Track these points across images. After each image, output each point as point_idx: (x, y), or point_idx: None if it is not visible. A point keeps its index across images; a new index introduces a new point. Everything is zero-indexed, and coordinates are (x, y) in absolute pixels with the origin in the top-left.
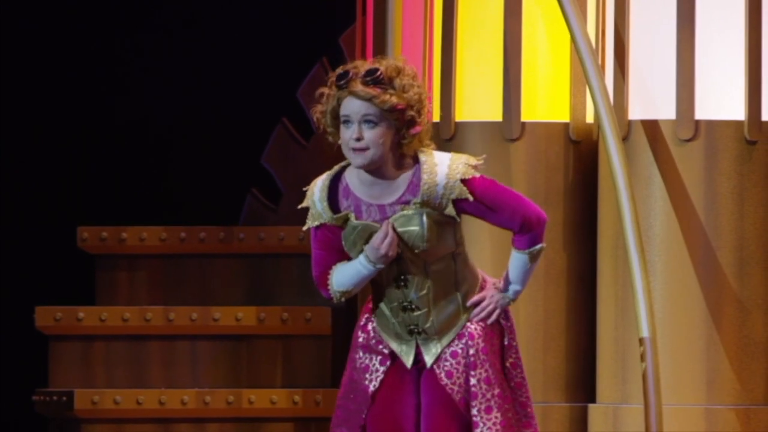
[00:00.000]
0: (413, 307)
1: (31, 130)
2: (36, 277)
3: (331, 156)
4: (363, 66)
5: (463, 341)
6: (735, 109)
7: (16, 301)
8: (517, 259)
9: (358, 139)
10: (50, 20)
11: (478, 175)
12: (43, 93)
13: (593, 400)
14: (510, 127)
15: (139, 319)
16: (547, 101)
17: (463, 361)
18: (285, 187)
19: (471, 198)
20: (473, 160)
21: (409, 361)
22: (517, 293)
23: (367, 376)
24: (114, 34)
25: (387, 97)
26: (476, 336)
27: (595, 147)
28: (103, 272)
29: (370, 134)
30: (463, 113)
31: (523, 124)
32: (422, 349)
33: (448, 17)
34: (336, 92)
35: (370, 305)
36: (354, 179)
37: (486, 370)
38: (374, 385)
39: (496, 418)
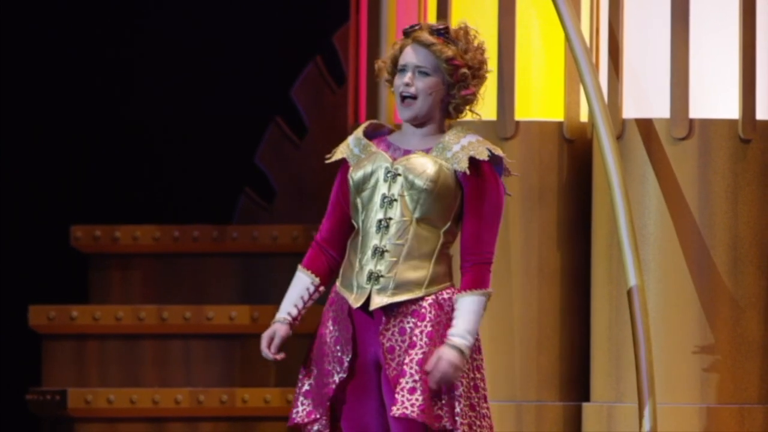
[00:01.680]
0: (384, 251)
1: (25, 130)
2: (29, 276)
3: (325, 155)
4: (431, 23)
5: (415, 320)
6: (729, 108)
7: (10, 300)
8: (466, 303)
9: (408, 84)
10: (46, 22)
11: (503, 155)
12: (37, 93)
13: (587, 399)
14: (504, 126)
15: (132, 318)
16: (541, 100)
17: (408, 340)
18: (278, 186)
19: (487, 159)
20: (502, 153)
21: (357, 303)
22: (467, 341)
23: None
24: (108, 34)
25: (445, 48)
26: (427, 319)
27: (590, 146)
28: (97, 271)
29: (420, 83)
30: None
31: (517, 122)
32: (372, 296)
33: (442, 16)
34: (401, 41)
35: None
36: (395, 134)
37: (423, 353)
38: (341, 376)
39: (416, 400)
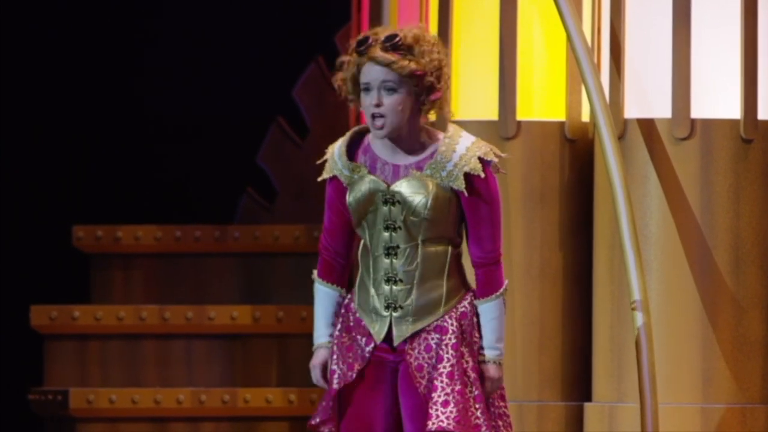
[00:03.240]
0: (397, 279)
1: (27, 130)
2: (31, 275)
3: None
4: (383, 32)
5: (438, 335)
6: (731, 108)
7: (12, 299)
8: (487, 311)
9: (378, 105)
10: (48, 22)
11: (496, 160)
12: (39, 93)
13: (589, 399)
14: (506, 126)
15: (134, 318)
16: (542, 100)
17: (435, 355)
18: (280, 186)
19: (483, 176)
20: (497, 151)
21: (379, 336)
22: (499, 350)
23: (344, 368)
24: (110, 34)
25: (405, 62)
26: (450, 332)
27: (591, 146)
28: (99, 271)
29: (389, 100)
30: (459, 112)
31: (519, 122)
32: (394, 327)
33: (444, 16)
34: (356, 59)
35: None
36: (377, 140)
37: (452, 365)
38: (351, 375)
39: (450, 412)
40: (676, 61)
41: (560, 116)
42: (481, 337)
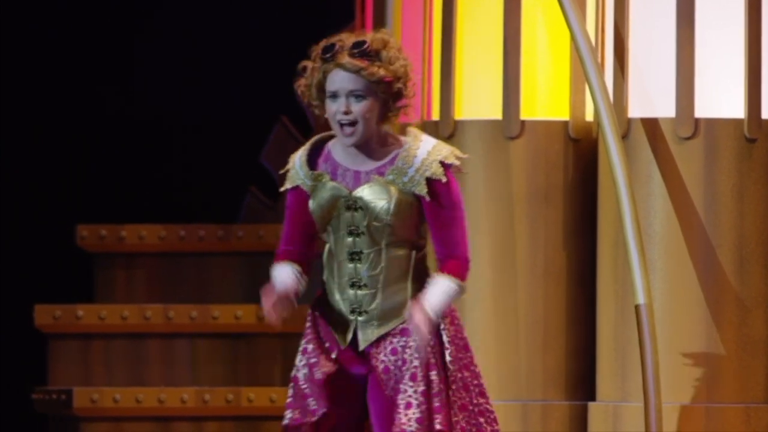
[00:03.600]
0: (362, 284)
1: (30, 128)
2: (35, 275)
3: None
4: (348, 39)
5: (404, 338)
6: (735, 107)
7: (15, 299)
8: (437, 283)
9: (346, 113)
10: (50, 20)
11: (458, 163)
12: (42, 92)
13: (593, 399)
14: (509, 125)
15: (138, 318)
16: (546, 99)
17: (400, 359)
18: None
19: (444, 180)
20: (458, 153)
21: (345, 340)
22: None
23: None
24: (113, 32)
25: (375, 69)
26: (413, 334)
27: (595, 145)
28: (102, 270)
29: (357, 107)
30: (462, 111)
31: (523, 122)
32: (359, 332)
33: (448, 15)
34: (322, 65)
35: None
36: (338, 147)
37: (415, 367)
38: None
39: (413, 414)
40: (680, 60)
41: (564, 116)
42: (445, 338)
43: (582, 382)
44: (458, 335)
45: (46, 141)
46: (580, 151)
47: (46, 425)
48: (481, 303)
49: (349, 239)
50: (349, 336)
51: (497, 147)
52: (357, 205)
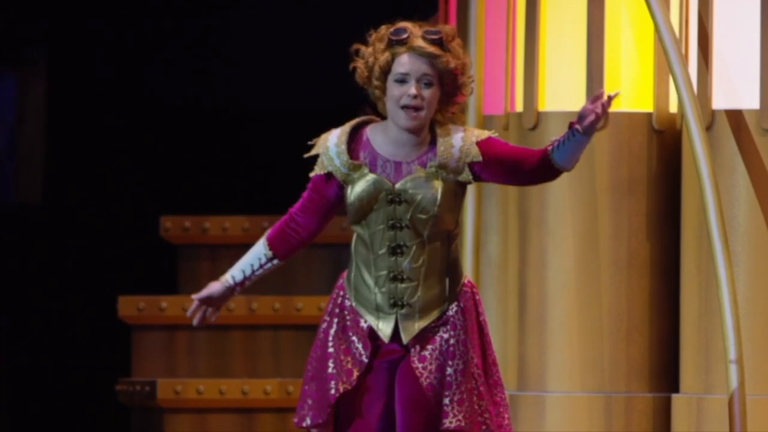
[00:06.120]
0: (404, 278)
1: (115, 122)
2: (119, 266)
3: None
4: (414, 27)
5: (444, 329)
6: None
7: (100, 290)
8: (571, 140)
9: (416, 96)
10: (118, 20)
11: (494, 134)
12: (127, 86)
13: (677, 391)
14: None
15: (221, 309)
16: (630, 91)
17: (439, 348)
18: None
19: (482, 159)
20: (487, 131)
21: (387, 336)
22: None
23: (340, 371)
24: (195, 23)
25: (448, 58)
26: (458, 326)
27: (679, 137)
28: (186, 262)
29: (426, 93)
30: (546, 103)
31: (607, 114)
32: (401, 325)
33: (532, 6)
34: (389, 48)
35: (342, 282)
36: (378, 135)
37: (464, 362)
38: (345, 386)
39: (466, 410)
40: (764, 51)
41: (648, 107)
42: (482, 314)
43: (665, 374)
44: (488, 329)
45: (130, 134)
46: (664, 142)
47: (130, 416)
48: (564, 295)
49: (391, 233)
50: (390, 330)
51: None
52: (401, 199)
